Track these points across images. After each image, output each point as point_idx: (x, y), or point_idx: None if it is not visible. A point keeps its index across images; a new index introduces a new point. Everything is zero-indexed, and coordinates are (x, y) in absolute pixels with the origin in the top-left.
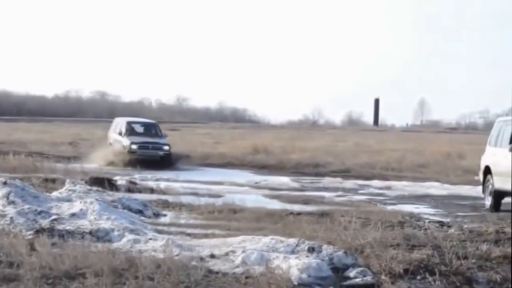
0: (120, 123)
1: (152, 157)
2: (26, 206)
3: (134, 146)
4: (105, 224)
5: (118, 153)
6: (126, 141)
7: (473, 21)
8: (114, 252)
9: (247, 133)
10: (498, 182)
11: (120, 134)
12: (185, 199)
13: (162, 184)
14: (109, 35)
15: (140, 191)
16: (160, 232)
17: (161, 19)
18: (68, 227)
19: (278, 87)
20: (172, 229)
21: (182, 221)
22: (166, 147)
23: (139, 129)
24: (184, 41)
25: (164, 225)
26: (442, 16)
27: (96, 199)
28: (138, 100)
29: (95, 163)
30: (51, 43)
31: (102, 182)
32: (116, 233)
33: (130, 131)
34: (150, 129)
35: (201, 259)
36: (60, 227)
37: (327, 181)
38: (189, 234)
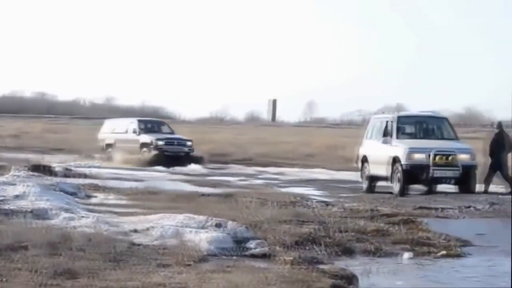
0: (125, 122)
1: (177, 153)
2: None
3: (160, 142)
4: (44, 205)
5: (134, 151)
6: (148, 138)
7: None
8: (51, 228)
9: None
10: (373, 169)
11: (134, 132)
12: (112, 183)
13: (94, 171)
14: (47, 39)
15: (74, 176)
16: (91, 211)
17: (90, 23)
18: (12, 207)
19: (190, 87)
20: (101, 208)
21: (110, 202)
22: (190, 143)
23: (153, 127)
24: (111, 43)
25: (95, 205)
26: (332, 22)
27: (37, 183)
28: (72, 99)
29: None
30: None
31: (42, 169)
32: (53, 212)
33: (147, 129)
34: (160, 127)
35: (125, 233)
36: (5, 207)
37: (232, 168)
38: (115, 213)
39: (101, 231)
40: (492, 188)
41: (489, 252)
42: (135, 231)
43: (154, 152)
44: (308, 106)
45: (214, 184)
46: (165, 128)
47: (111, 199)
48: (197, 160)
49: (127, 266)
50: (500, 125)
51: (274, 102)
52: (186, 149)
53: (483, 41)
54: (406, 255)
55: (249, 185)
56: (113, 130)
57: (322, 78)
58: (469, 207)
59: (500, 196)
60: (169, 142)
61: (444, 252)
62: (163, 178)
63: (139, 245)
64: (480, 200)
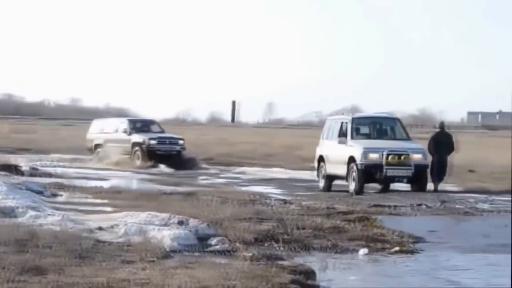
0: (115, 122)
1: (170, 151)
2: None
3: (153, 142)
4: (11, 203)
5: (126, 151)
6: (140, 137)
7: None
8: (19, 225)
9: None
10: (329, 168)
11: (125, 132)
12: (78, 182)
13: (59, 170)
14: (14, 41)
15: (41, 176)
16: (57, 209)
17: (56, 26)
18: None
19: (155, 88)
20: (67, 206)
21: (75, 200)
22: (182, 141)
23: (143, 126)
24: (77, 45)
25: (61, 203)
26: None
27: (4, 182)
28: (39, 100)
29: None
30: None
31: (9, 168)
32: (20, 210)
33: (137, 128)
34: (150, 126)
35: (91, 231)
36: None
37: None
38: (81, 211)
39: (67, 229)
40: (443, 186)
41: (441, 247)
42: (100, 228)
43: (146, 152)
44: (267, 107)
45: (176, 183)
46: (155, 127)
47: (76, 197)
48: (189, 161)
49: (93, 262)
50: (442, 125)
51: (234, 103)
52: (178, 147)
53: (436, 46)
54: (362, 251)
55: (211, 184)
56: (101, 130)
57: (281, 80)
58: (421, 205)
59: (451, 194)
60: (161, 141)
61: (397, 248)
62: (127, 177)
63: (104, 242)
64: (432, 198)
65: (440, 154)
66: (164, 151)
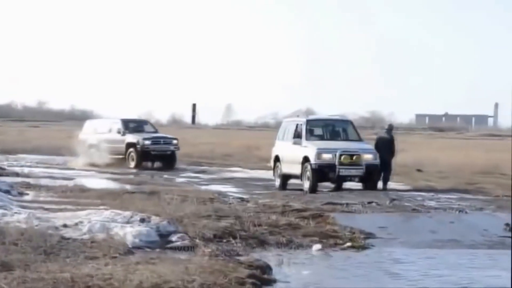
0: (108, 122)
1: (164, 152)
2: None
3: (147, 142)
4: None
5: (120, 152)
6: (134, 137)
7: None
8: None
9: None
10: (285, 168)
11: (119, 132)
12: (43, 181)
13: (26, 170)
14: None
15: (7, 175)
16: (23, 207)
17: (24, 30)
18: None
19: (118, 91)
20: (33, 205)
21: (41, 199)
22: (175, 141)
23: (137, 126)
24: (44, 48)
25: (27, 202)
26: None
27: None
28: (6, 103)
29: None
30: None
31: None
32: None
33: (131, 128)
34: (143, 126)
35: (56, 228)
36: None
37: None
38: (46, 209)
39: (33, 226)
40: (392, 185)
41: (390, 243)
42: (65, 226)
43: (140, 153)
44: (226, 109)
45: (138, 182)
46: (148, 127)
47: (42, 196)
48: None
49: (58, 258)
50: (390, 127)
51: (194, 106)
52: (172, 147)
53: (386, 51)
54: (315, 246)
55: (172, 183)
56: (95, 130)
57: (239, 83)
58: (371, 202)
59: (399, 193)
60: (155, 141)
61: (349, 243)
62: (91, 176)
63: (68, 239)
64: (382, 196)
65: (383, 155)
66: (159, 151)
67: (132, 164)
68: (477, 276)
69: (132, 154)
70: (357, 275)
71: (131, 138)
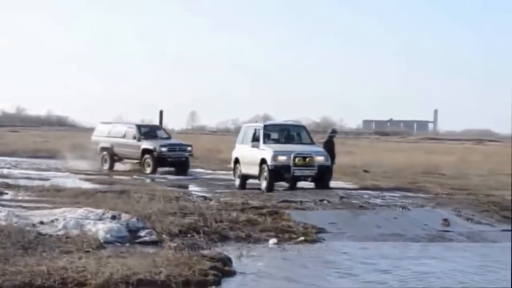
0: (123, 127)
1: (179, 158)
2: None
3: (164, 149)
4: None
5: (135, 157)
6: (151, 144)
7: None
8: None
9: (68, 135)
10: (244, 169)
11: (134, 138)
12: (22, 182)
13: (5, 171)
14: None
15: None
16: (3, 206)
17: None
18: None
19: (91, 98)
20: (12, 203)
21: (20, 198)
22: (190, 148)
23: (150, 131)
24: (18, 55)
25: (6, 200)
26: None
27: None
28: None
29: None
30: None
31: None
32: None
33: (145, 134)
34: (156, 131)
35: (33, 225)
36: None
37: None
38: (24, 207)
39: (12, 223)
40: (341, 184)
41: (339, 237)
42: (42, 223)
43: (157, 159)
44: (190, 116)
45: (111, 182)
46: (161, 133)
47: (21, 195)
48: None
49: (35, 253)
50: (333, 131)
51: (161, 112)
52: (186, 154)
53: (337, 63)
54: (272, 240)
55: (141, 183)
56: (108, 133)
57: (203, 91)
58: (323, 200)
59: (348, 191)
60: (171, 148)
61: (303, 238)
62: (66, 177)
63: (45, 235)
64: (332, 195)
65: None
66: (174, 157)
67: (148, 170)
68: (405, 264)
69: (148, 160)
70: (307, 266)
71: (147, 144)
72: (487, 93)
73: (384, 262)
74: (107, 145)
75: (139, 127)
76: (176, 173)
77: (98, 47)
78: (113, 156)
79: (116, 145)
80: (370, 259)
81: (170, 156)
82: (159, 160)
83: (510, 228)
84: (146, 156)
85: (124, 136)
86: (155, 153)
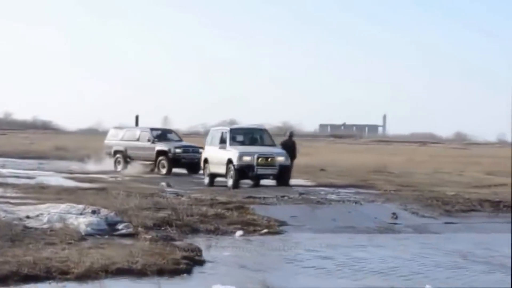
0: (136, 131)
1: (192, 159)
2: None
3: (178, 150)
4: None
5: (150, 158)
6: (166, 146)
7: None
8: None
9: (51, 137)
10: (213, 168)
11: (149, 140)
12: (10, 180)
13: None
14: None
15: None
16: None
17: None
18: None
19: (72, 103)
20: (1, 200)
21: (8, 194)
22: (201, 150)
23: (162, 135)
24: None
25: None
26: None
27: None
28: None
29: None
30: None
31: None
32: None
33: (158, 137)
34: (167, 135)
35: (20, 219)
36: None
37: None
38: (12, 203)
39: (0, 218)
40: (301, 182)
41: (299, 229)
42: (28, 217)
43: (172, 161)
44: (164, 120)
45: (91, 180)
46: (172, 136)
47: (9, 192)
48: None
49: (22, 244)
50: (291, 134)
51: (137, 117)
52: (199, 155)
53: (295, 73)
54: (238, 233)
55: (118, 181)
56: (121, 137)
57: (176, 97)
58: (284, 196)
59: (306, 188)
60: (185, 149)
61: (266, 230)
62: (50, 175)
63: (31, 228)
64: (292, 191)
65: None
66: (188, 159)
67: (164, 170)
68: (348, 251)
69: (163, 161)
70: (264, 255)
71: (162, 146)
72: (431, 100)
73: (330, 250)
74: (120, 148)
75: (152, 130)
76: (188, 173)
77: (77, 53)
78: (126, 158)
79: (130, 148)
80: (317, 248)
81: (184, 157)
82: (174, 161)
83: (452, 221)
84: (161, 157)
85: (138, 139)
86: (170, 154)
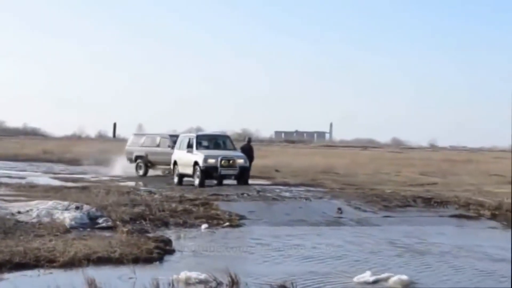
0: (156, 138)
1: None
2: None
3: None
4: None
5: (167, 163)
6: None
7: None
8: None
9: (40, 142)
10: (181, 169)
11: (169, 147)
12: (3, 180)
13: None
14: None
15: None
16: None
17: None
18: None
19: (57, 112)
20: None
21: (1, 192)
22: None
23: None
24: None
25: None
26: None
27: None
28: None
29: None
30: None
31: None
32: None
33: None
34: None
35: (12, 214)
36: None
37: (88, 169)
38: (5, 200)
39: None
40: (258, 181)
41: (257, 222)
42: (19, 212)
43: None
44: (138, 127)
45: (74, 180)
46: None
47: (2, 190)
48: None
49: (14, 236)
50: (249, 139)
51: (115, 124)
52: None
53: (251, 82)
54: (203, 226)
55: (99, 180)
56: (142, 143)
57: (149, 106)
58: (243, 194)
59: (263, 187)
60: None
61: (228, 223)
62: (39, 175)
63: (22, 222)
64: (251, 189)
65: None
66: None
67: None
68: (290, 240)
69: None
70: (229, 245)
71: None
72: (371, 110)
73: (273, 239)
74: (141, 153)
75: (171, 137)
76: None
77: (58, 62)
78: (147, 163)
79: (151, 154)
80: (263, 238)
81: None
82: None
83: (389, 215)
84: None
85: (158, 145)
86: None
